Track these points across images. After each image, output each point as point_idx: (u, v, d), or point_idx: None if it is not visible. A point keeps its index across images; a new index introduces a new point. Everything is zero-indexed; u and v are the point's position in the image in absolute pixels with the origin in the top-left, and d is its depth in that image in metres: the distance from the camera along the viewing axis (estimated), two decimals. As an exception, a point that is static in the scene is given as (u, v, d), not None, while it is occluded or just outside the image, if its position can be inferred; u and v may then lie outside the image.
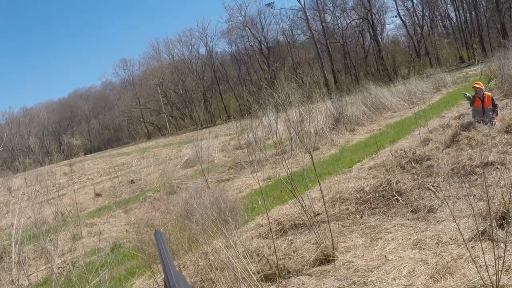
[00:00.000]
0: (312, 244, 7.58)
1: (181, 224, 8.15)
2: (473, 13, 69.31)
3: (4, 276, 8.53)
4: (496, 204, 7.04)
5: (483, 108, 14.19)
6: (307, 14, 78.83)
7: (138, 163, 35.47)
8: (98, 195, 23.10)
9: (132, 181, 23.85)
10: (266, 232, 8.75)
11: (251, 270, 6.20)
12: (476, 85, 14.68)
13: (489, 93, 14.56)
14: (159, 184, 19.30)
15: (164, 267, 1.61)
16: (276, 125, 17.24)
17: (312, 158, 7.96)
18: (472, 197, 7.80)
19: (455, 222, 6.43)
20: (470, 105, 14.95)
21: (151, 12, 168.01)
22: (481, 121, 13.59)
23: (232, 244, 6.78)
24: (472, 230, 6.64)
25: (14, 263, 9.35)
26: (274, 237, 7.63)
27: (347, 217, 8.70)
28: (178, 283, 1.52)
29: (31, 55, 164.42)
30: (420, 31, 72.44)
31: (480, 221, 6.68)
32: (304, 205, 7.72)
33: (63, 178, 36.82)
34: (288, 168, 8.10)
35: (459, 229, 6.04)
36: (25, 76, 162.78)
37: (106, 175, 33.13)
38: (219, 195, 9.85)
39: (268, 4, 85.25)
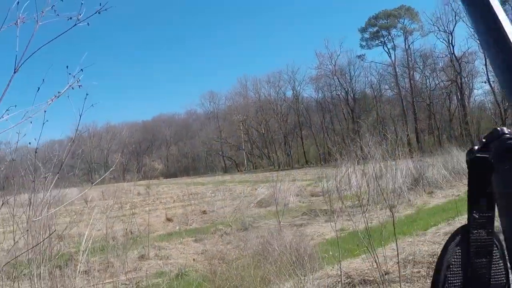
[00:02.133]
0: (380, 302, 7.50)
1: (256, 262, 8.17)
2: None
3: (66, 283, 8.67)
4: None
5: None
6: (397, 70, 78.71)
7: (212, 194, 35.69)
8: (169, 220, 23.32)
9: (204, 212, 24.03)
10: (334, 284, 8.69)
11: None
12: None
13: None
14: (232, 219, 19.38)
15: None
16: (362, 177, 17.15)
17: (393, 215, 7.92)
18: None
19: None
20: None
21: (242, 49, 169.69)
22: None
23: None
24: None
25: (79, 272, 9.51)
26: (342, 289, 7.58)
27: (417, 280, 8.58)
28: None
29: (119, 77, 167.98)
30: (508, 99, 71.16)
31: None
32: (377, 261, 7.65)
33: (136, 198, 37.31)
34: (366, 222, 8.05)
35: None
36: (113, 95, 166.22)
37: (180, 201, 33.47)
38: (299, 239, 9.85)
39: (359, 56, 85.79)
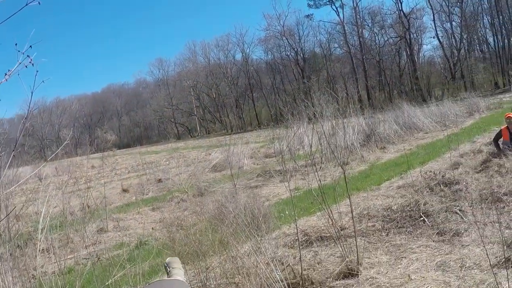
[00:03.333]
0: (337, 257, 7.68)
1: (213, 226, 8.28)
2: (511, 39, 68.85)
3: (28, 262, 8.66)
4: (522, 233, 7.10)
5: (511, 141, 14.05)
6: (345, 28, 79.09)
7: (167, 162, 35.71)
8: (125, 191, 23.29)
9: (159, 180, 24.04)
10: (292, 242, 8.85)
11: (276, 277, 6.32)
12: (509, 115, 14.48)
13: None
14: (187, 185, 19.43)
15: None
16: (312, 136, 17.32)
17: (344, 172, 8.07)
18: (497, 224, 7.87)
19: (484, 246, 6.51)
20: (495, 141, 14.78)
21: (189, 14, 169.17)
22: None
23: (263, 250, 6.90)
24: (496, 257, 6.69)
25: (39, 250, 9.50)
26: (300, 247, 7.72)
27: (373, 234, 8.78)
28: None
29: (69, 49, 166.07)
30: (457, 54, 71.97)
31: (505, 248, 6.73)
32: (332, 217, 7.81)
33: (91, 171, 37.16)
34: (319, 180, 8.19)
35: (487, 254, 6.12)
36: (61, 68, 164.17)
37: (134, 171, 33.44)
38: (253, 201, 9.97)
39: (307, 16, 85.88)
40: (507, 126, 14.16)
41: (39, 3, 3.88)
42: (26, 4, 3.87)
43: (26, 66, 4.00)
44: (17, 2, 3.91)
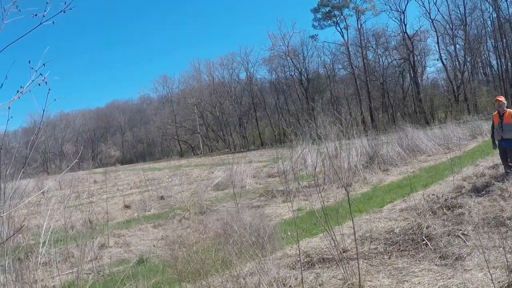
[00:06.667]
0: (339, 279, 7.65)
1: (217, 245, 8.26)
2: (514, 62, 68.85)
3: (28, 276, 8.64)
4: (525, 259, 7.07)
5: (501, 125, 14.00)
6: (350, 49, 79.05)
7: (169, 179, 35.61)
8: (127, 207, 23.24)
9: (162, 197, 23.98)
10: (294, 263, 8.83)
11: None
12: (498, 99, 14.48)
13: (511, 110, 14.14)
14: (190, 203, 19.39)
15: None
16: (316, 157, 17.31)
17: (348, 194, 8.05)
18: (501, 248, 7.85)
19: (488, 271, 6.48)
20: (492, 132, 14.83)
21: (194, 33, 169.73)
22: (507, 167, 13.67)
23: (266, 270, 6.89)
24: (499, 282, 6.67)
25: (40, 264, 9.49)
26: (301, 269, 7.70)
27: (375, 257, 8.75)
28: None
29: (74, 63, 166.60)
30: (460, 77, 71.83)
31: (509, 273, 6.71)
32: (335, 239, 7.80)
33: (93, 186, 37.13)
34: (322, 201, 8.19)
35: (491, 278, 6.10)
36: (65, 82, 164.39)
37: (136, 188, 33.37)
38: (259, 220, 9.95)
39: (312, 36, 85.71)
40: (498, 111, 14.22)
41: (53, 22, 3.87)
42: (40, 23, 3.86)
43: (39, 84, 3.98)
44: (30, 21, 3.90)
